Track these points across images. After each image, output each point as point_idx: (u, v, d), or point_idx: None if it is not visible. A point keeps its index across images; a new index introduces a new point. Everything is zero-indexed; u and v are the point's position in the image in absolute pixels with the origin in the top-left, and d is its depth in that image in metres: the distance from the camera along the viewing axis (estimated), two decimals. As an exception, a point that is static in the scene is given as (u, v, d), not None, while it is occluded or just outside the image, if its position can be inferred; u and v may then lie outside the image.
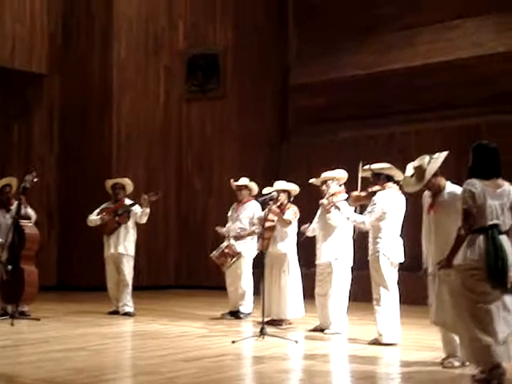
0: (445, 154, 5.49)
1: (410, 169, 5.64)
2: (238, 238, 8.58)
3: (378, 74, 12.19)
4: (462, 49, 11.35)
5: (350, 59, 12.55)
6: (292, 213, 7.91)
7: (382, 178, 6.64)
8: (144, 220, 9.01)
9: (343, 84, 12.56)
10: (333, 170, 7.57)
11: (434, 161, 5.43)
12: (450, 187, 5.52)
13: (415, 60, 11.82)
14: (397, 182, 6.58)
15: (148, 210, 8.86)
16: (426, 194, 5.62)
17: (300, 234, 7.81)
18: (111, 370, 5.30)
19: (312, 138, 12.72)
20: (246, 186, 8.79)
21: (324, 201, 7.21)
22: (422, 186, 5.51)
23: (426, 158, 5.49)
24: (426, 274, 5.61)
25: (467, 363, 5.21)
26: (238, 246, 8.53)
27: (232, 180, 8.91)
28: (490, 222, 4.85)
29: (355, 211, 6.86)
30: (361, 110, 12.28)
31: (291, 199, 8.06)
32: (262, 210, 8.01)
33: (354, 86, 12.40)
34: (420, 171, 5.48)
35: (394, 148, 11.19)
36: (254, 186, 8.81)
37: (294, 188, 8.09)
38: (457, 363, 5.38)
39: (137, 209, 8.95)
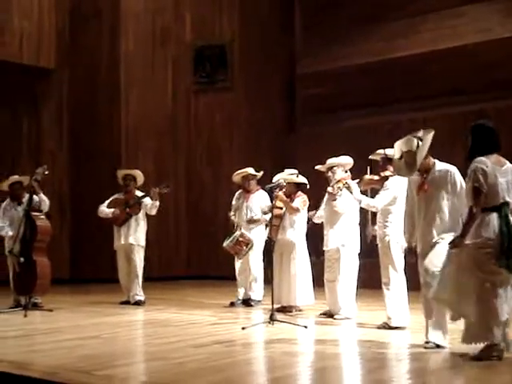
0: (431, 134, 5.47)
1: (397, 151, 5.60)
2: (251, 221, 8.63)
3: (384, 62, 12.22)
4: (469, 35, 11.36)
5: (356, 47, 12.57)
6: (301, 201, 7.97)
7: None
8: (154, 212, 9.09)
9: (350, 72, 12.58)
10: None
11: (423, 145, 5.40)
12: (439, 165, 5.54)
13: (422, 47, 11.85)
14: None
15: (158, 203, 8.95)
16: (415, 173, 5.62)
17: (307, 220, 7.86)
18: (122, 356, 5.36)
19: (320, 126, 12.76)
20: (254, 176, 8.83)
21: (330, 188, 7.25)
22: (415, 171, 5.53)
23: (414, 140, 5.43)
24: (412, 252, 5.66)
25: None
26: (250, 234, 8.59)
27: (236, 173, 8.93)
28: (502, 200, 4.92)
29: (367, 195, 6.90)
30: (368, 97, 12.30)
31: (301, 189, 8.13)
32: (270, 198, 8.07)
33: (360, 74, 12.43)
34: (410, 156, 5.44)
35: (402, 135, 11.15)
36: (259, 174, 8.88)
37: (301, 180, 8.12)
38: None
39: (147, 201, 9.03)
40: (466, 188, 5.09)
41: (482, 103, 10.77)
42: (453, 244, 5.07)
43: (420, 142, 5.42)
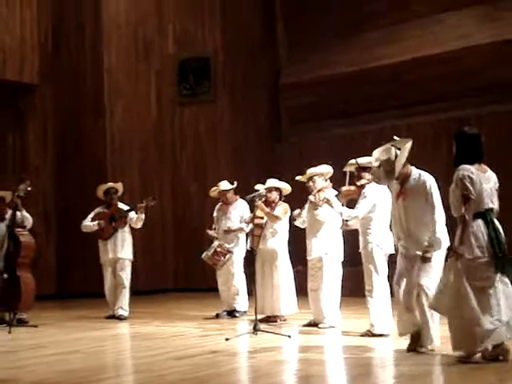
0: (409, 143, 5.54)
1: (376, 159, 5.63)
2: (227, 232, 8.63)
3: (367, 71, 12.27)
4: (448, 42, 11.44)
5: (339, 56, 12.63)
6: (282, 209, 8.00)
7: (368, 172, 6.69)
8: (139, 225, 9.04)
9: (333, 81, 12.63)
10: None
11: (401, 153, 5.47)
12: (416, 172, 5.61)
13: (403, 55, 11.91)
14: None
15: (143, 216, 8.89)
16: (394, 181, 5.68)
17: (292, 219, 7.86)
18: (103, 370, 5.35)
19: (304, 136, 12.80)
20: (227, 191, 8.82)
21: (311, 197, 7.28)
22: (393, 179, 5.57)
23: (392, 149, 5.50)
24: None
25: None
26: (229, 244, 8.60)
27: (211, 190, 8.94)
28: (486, 207, 4.97)
29: (343, 206, 6.92)
30: (352, 106, 12.36)
31: (282, 198, 8.15)
32: (250, 208, 8.10)
33: (344, 83, 12.47)
34: (388, 164, 5.50)
35: (386, 142, 11.21)
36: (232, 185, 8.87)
37: (286, 187, 8.17)
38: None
39: (132, 214, 8.98)
40: (452, 196, 5.11)
41: (463, 109, 10.82)
42: (453, 253, 5.11)
43: (398, 151, 5.48)
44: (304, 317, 7.78)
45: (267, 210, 7.94)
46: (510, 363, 4.96)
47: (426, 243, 5.43)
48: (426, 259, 5.38)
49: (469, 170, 5.01)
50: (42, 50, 13.35)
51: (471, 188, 4.95)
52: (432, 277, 5.45)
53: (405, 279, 5.58)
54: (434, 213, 5.43)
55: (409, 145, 5.52)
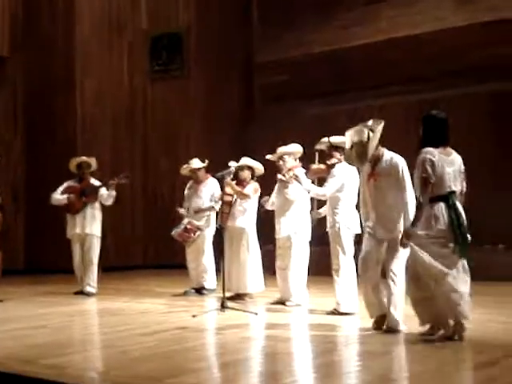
0: (381, 124, 5.52)
1: (348, 141, 5.63)
2: (198, 212, 8.62)
3: (341, 50, 12.27)
4: (424, 23, 11.44)
5: (313, 36, 12.60)
6: (252, 188, 7.98)
7: (339, 151, 6.71)
8: (110, 202, 8.98)
9: (308, 61, 12.61)
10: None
11: (374, 136, 5.45)
12: (388, 155, 5.61)
13: (378, 35, 11.90)
14: None
15: (114, 193, 8.85)
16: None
17: (260, 206, 7.88)
18: (69, 345, 5.32)
19: (278, 115, 12.76)
20: (198, 169, 8.80)
21: (280, 176, 7.29)
22: (366, 161, 5.57)
23: (365, 131, 5.47)
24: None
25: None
26: (199, 221, 8.59)
27: (182, 167, 8.91)
28: (448, 190, 5.01)
29: (313, 184, 6.94)
30: (325, 86, 12.35)
31: (254, 178, 8.13)
32: (221, 186, 8.09)
33: (318, 63, 12.46)
34: (360, 147, 5.48)
35: (358, 123, 11.24)
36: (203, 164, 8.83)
37: (258, 166, 8.14)
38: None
39: (103, 191, 8.91)
40: (414, 178, 5.16)
41: (436, 91, 10.87)
42: (406, 235, 5.15)
43: (371, 133, 5.46)
44: (271, 295, 7.82)
45: (237, 187, 7.93)
46: (466, 342, 5.04)
47: (400, 229, 5.42)
48: (404, 245, 5.29)
49: (431, 153, 5.04)
50: (12, 22, 13.10)
51: (431, 171, 4.98)
52: (400, 261, 5.49)
53: (372, 260, 5.61)
54: (405, 196, 5.40)
55: (381, 127, 5.49)
